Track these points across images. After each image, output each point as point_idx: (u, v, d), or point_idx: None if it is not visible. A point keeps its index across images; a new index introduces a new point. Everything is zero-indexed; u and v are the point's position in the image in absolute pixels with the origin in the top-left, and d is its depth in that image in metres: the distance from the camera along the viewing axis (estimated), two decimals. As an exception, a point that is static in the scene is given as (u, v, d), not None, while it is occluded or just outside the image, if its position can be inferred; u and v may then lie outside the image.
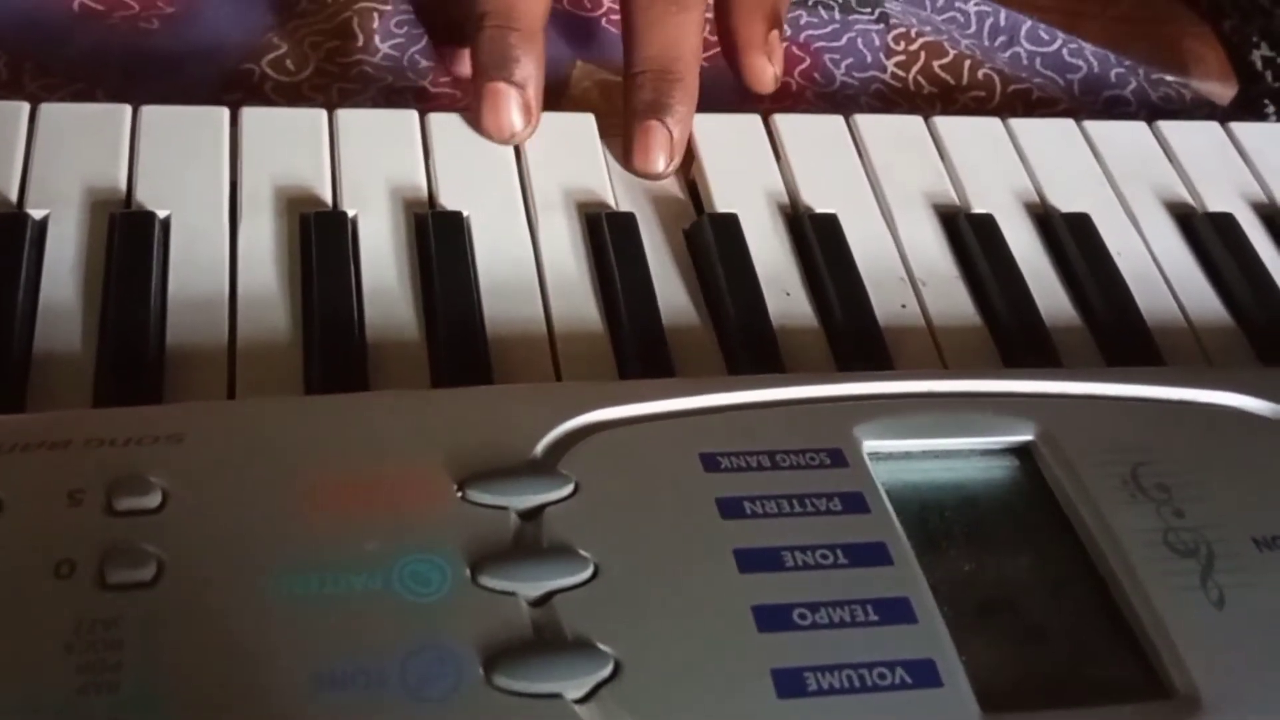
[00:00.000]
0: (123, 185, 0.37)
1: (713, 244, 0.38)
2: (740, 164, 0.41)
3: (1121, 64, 0.53)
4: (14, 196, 0.36)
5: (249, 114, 0.39)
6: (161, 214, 0.36)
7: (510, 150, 0.40)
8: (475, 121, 0.40)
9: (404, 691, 0.25)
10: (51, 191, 0.36)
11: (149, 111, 0.38)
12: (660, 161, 0.40)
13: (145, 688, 0.24)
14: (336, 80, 0.47)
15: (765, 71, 0.44)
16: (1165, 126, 0.45)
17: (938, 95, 0.51)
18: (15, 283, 0.33)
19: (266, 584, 0.26)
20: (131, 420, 0.29)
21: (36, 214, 0.35)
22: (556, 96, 0.48)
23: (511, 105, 0.39)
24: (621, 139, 0.41)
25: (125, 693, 0.24)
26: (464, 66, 0.44)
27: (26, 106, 0.38)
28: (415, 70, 0.48)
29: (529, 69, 0.39)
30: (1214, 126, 0.46)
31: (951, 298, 0.38)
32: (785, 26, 0.45)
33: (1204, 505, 0.31)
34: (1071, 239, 0.40)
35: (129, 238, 0.35)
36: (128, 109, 0.38)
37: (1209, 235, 0.41)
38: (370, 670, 0.25)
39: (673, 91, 0.40)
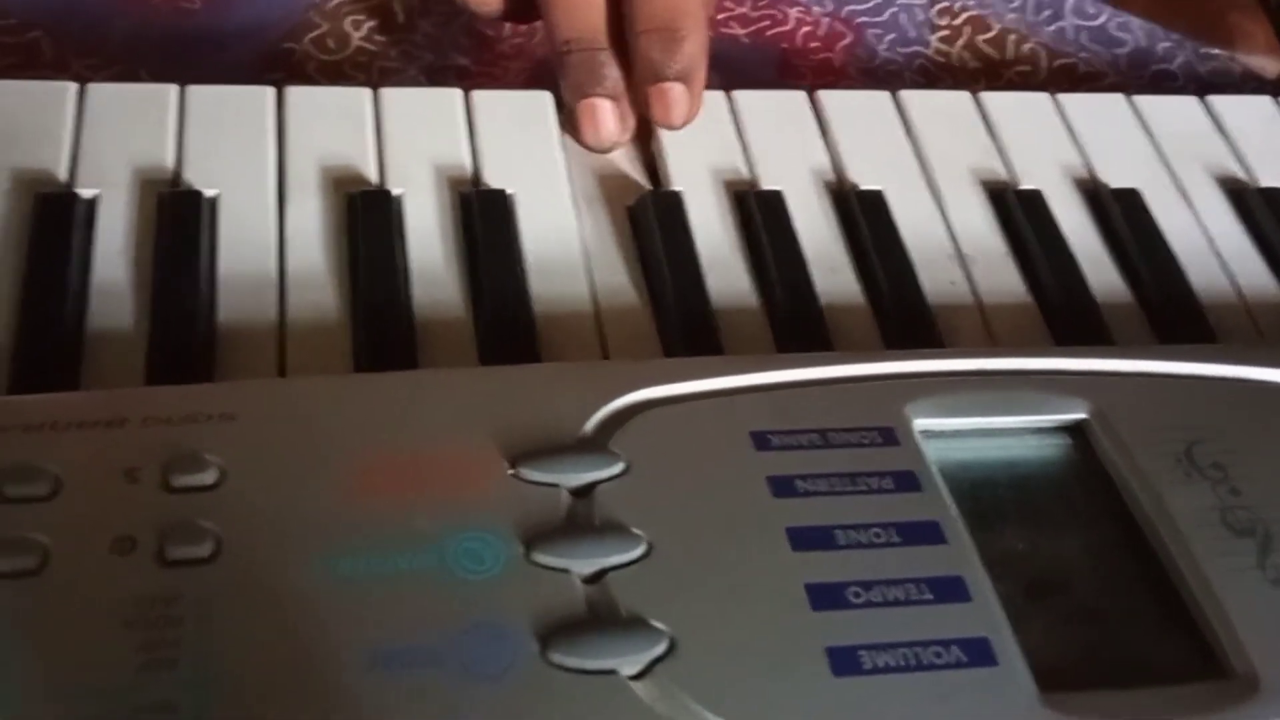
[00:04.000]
0: (170, 165, 0.37)
1: (759, 220, 0.38)
2: (786, 141, 0.41)
3: (1169, 38, 0.53)
4: (64, 176, 0.36)
5: (294, 93, 0.39)
6: (209, 194, 0.36)
7: (554, 129, 0.40)
8: (575, 136, 0.40)
9: (459, 669, 0.25)
10: (101, 171, 0.36)
11: (195, 91, 0.38)
12: (679, 116, 0.40)
13: (204, 664, 0.24)
14: (378, 59, 0.47)
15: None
16: (1216, 101, 0.45)
17: (982, 70, 0.51)
18: (67, 262, 0.33)
19: (322, 561, 0.26)
20: (186, 398, 0.29)
21: (86, 194, 0.35)
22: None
23: (609, 116, 0.40)
24: (637, 96, 0.40)
25: (184, 668, 0.24)
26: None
27: (74, 87, 0.38)
28: (456, 48, 0.48)
29: (617, 81, 0.40)
30: (1265, 101, 0.46)
31: (1001, 275, 0.38)
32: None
33: (1260, 484, 0.31)
34: (1121, 215, 0.40)
35: (178, 218, 0.35)
36: (174, 89, 0.38)
37: (1261, 211, 0.41)
38: (426, 648, 0.25)
39: (681, 48, 0.40)
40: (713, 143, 0.41)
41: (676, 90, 0.40)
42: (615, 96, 0.40)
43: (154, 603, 0.25)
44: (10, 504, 0.26)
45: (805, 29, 0.51)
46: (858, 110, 0.42)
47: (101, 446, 0.27)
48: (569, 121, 0.41)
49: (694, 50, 0.40)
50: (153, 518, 0.26)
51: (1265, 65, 0.56)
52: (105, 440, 0.27)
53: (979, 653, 0.26)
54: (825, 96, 0.42)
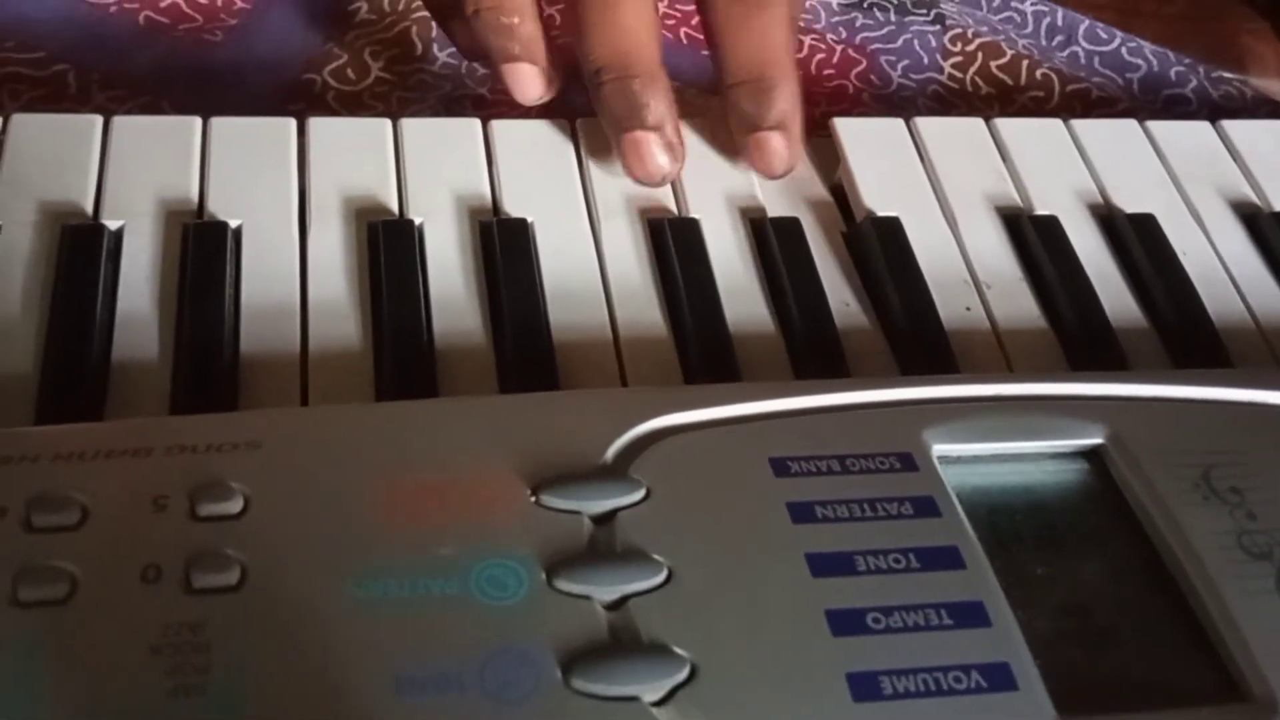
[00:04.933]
0: (195, 196, 0.37)
1: (776, 248, 0.38)
2: (800, 167, 0.41)
3: (1181, 62, 0.53)
4: (90, 208, 0.36)
5: (315, 124, 0.40)
6: (233, 224, 0.36)
7: (573, 157, 0.41)
8: (626, 172, 0.39)
9: (484, 694, 0.25)
10: (126, 203, 0.37)
11: (219, 123, 0.39)
12: (779, 165, 0.40)
13: (232, 690, 0.25)
14: (396, 89, 0.48)
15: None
16: (1229, 126, 0.45)
17: (995, 96, 0.51)
18: (94, 293, 0.34)
19: (347, 588, 0.26)
20: (211, 427, 0.29)
21: (112, 225, 0.36)
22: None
23: (655, 149, 0.39)
24: (738, 149, 0.40)
25: (212, 695, 0.24)
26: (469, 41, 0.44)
27: (100, 120, 0.38)
28: (474, 78, 0.48)
29: (660, 109, 0.39)
30: (1278, 125, 0.46)
31: (1016, 300, 0.38)
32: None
33: (1277, 508, 0.31)
34: (1137, 240, 0.40)
35: (203, 248, 0.35)
36: (198, 121, 0.39)
37: (1275, 235, 0.41)
38: (450, 674, 0.25)
39: (773, 99, 0.39)
40: (729, 169, 0.41)
41: (775, 140, 0.39)
42: (659, 126, 0.39)
43: (182, 629, 0.25)
44: (39, 533, 0.26)
45: (819, 56, 0.51)
46: (872, 136, 0.42)
47: (128, 476, 0.28)
48: (618, 156, 0.40)
49: (786, 98, 0.39)
50: (179, 546, 0.26)
51: (1277, 88, 0.56)
52: (132, 470, 0.28)
53: (999, 678, 0.27)
54: (840, 123, 0.42)
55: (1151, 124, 0.45)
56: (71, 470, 0.28)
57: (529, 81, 0.40)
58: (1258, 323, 0.39)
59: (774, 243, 0.38)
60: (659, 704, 0.25)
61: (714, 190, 0.40)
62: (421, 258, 0.36)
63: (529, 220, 0.38)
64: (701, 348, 0.35)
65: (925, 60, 0.52)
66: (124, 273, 0.35)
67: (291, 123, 0.40)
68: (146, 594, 0.26)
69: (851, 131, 0.42)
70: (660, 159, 0.39)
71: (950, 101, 0.51)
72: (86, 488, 0.27)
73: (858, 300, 0.38)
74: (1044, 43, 0.53)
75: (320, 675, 0.25)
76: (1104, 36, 0.53)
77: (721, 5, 0.41)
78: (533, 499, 0.28)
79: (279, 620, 0.26)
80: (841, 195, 0.41)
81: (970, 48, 0.52)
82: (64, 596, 0.25)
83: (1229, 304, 0.39)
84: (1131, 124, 0.45)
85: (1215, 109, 0.52)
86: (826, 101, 0.50)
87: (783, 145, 0.39)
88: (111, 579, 0.26)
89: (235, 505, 0.27)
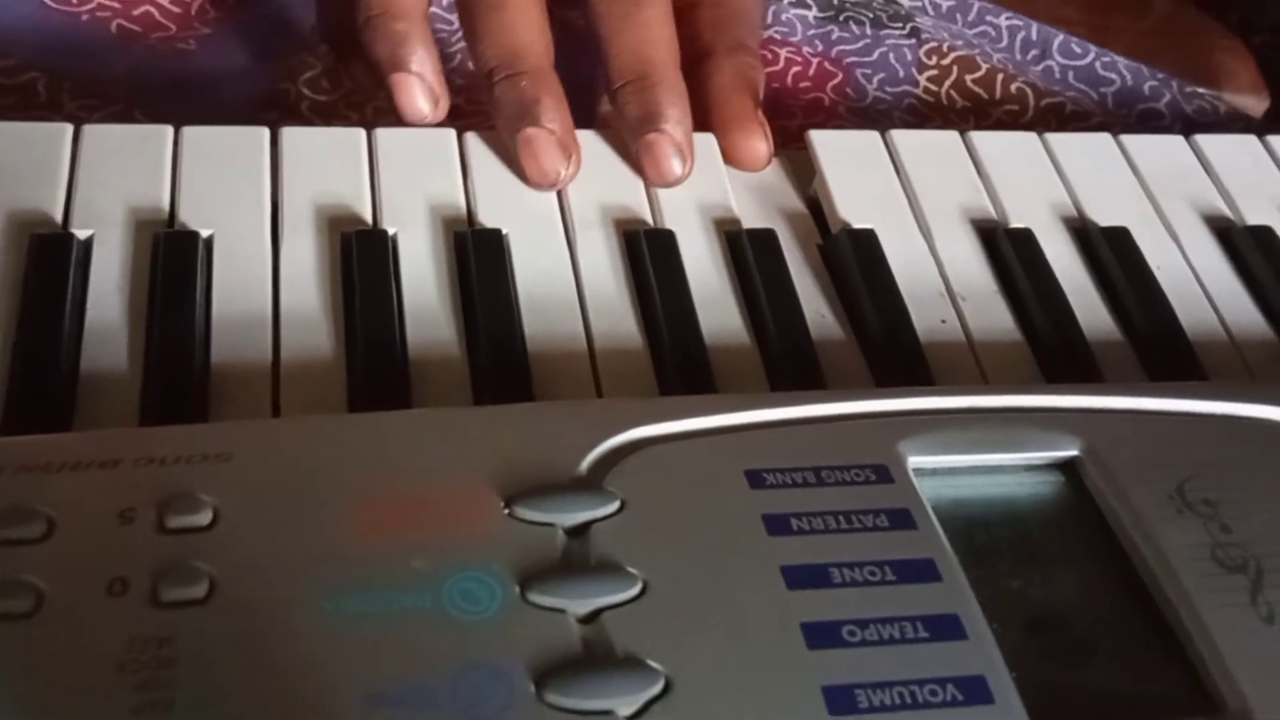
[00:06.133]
0: (166, 205, 0.37)
1: (753, 260, 0.38)
2: (776, 179, 0.41)
3: (1155, 77, 0.53)
4: (59, 217, 0.36)
5: (288, 133, 0.39)
6: (204, 234, 0.36)
7: (548, 168, 0.40)
8: (521, 174, 0.39)
9: (456, 709, 0.25)
10: (96, 212, 0.36)
11: (190, 132, 0.39)
12: (674, 168, 0.39)
13: (199, 706, 0.24)
14: (371, 99, 0.48)
15: (760, 149, 0.42)
16: (1202, 140, 0.45)
17: (971, 110, 0.51)
18: (62, 303, 0.33)
19: (317, 602, 0.26)
20: (180, 439, 0.29)
21: (81, 234, 0.35)
22: (591, 116, 0.48)
23: (548, 147, 0.38)
24: (632, 154, 0.40)
25: (179, 711, 0.24)
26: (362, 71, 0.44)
27: (70, 128, 0.38)
28: (449, 88, 0.48)
29: (551, 107, 0.39)
30: (1251, 140, 0.46)
31: (991, 313, 0.38)
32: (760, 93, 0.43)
33: (1251, 520, 0.31)
34: (1111, 253, 0.40)
35: (173, 257, 0.35)
36: (169, 130, 0.39)
37: (1248, 249, 0.41)
38: (422, 689, 0.25)
39: (657, 97, 0.39)
40: (705, 182, 0.41)
41: (662, 144, 0.39)
42: (551, 125, 0.38)
43: (148, 644, 0.25)
44: (3, 546, 0.26)
45: (795, 69, 0.51)
46: (848, 149, 0.42)
47: (95, 488, 0.27)
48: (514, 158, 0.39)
49: (670, 97, 0.39)
50: (147, 559, 0.26)
51: (1250, 104, 0.56)
52: (99, 481, 0.27)
53: (975, 690, 0.26)
54: (815, 136, 0.42)
55: (1125, 138, 0.45)
56: (38, 482, 0.27)
57: (415, 95, 0.39)
58: (1231, 336, 0.39)
59: (750, 255, 0.38)
60: (633, 718, 0.25)
61: (689, 202, 0.40)
62: (395, 268, 0.36)
63: (504, 231, 0.38)
64: (677, 359, 0.35)
65: (901, 73, 0.52)
66: (93, 282, 0.35)
67: (265, 132, 0.39)
68: (112, 608, 0.25)
69: (827, 144, 0.42)
70: (553, 157, 0.38)
71: (925, 114, 0.51)
72: (53, 499, 0.27)
73: (833, 312, 0.38)
74: (1019, 57, 0.54)
75: (290, 691, 0.25)
76: (1078, 51, 0.54)
77: (601, 5, 0.40)
78: (506, 511, 0.28)
79: (248, 634, 0.25)
80: (817, 208, 0.41)
81: (946, 61, 0.52)
82: (29, 610, 0.25)
83: (1202, 317, 0.39)
84: (1106, 138, 0.45)
85: (1189, 123, 0.52)
86: (802, 114, 0.50)
87: (670, 147, 0.39)
88: (77, 592, 0.25)
89: (204, 517, 0.27)
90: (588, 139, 0.41)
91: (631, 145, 0.40)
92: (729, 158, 0.42)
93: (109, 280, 0.35)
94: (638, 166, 0.40)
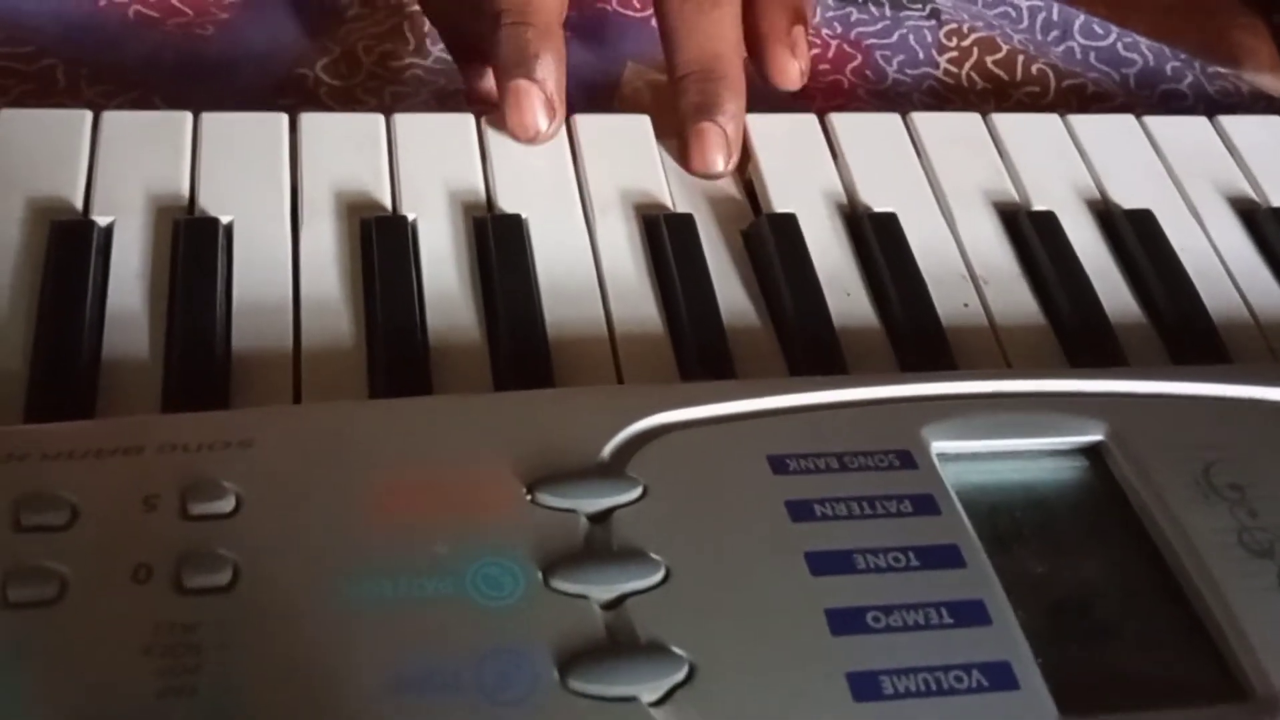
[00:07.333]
0: (185, 191, 0.37)
1: (772, 244, 0.38)
2: (797, 164, 0.41)
3: (1178, 57, 0.53)
4: (79, 204, 0.36)
5: (307, 119, 0.39)
6: (225, 220, 0.36)
7: (567, 153, 0.40)
8: (500, 122, 0.39)
9: (480, 695, 0.25)
10: (116, 198, 0.36)
11: (210, 118, 0.39)
12: (719, 161, 0.40)
13: (223, 691, 0.24)
14: (389, 84, 0.48)
15: (790, 66, 0.42)
16: (1226, 121, 0.45)
17: (991, 91, 0.51)
18: (83, 290, 0.33)
19: (341, 588, 0.26)
20: (202, 425, 0.29)
21: (102, 221, 0.35)
22: (609, 98, 0.48)
23: (534, 103, 0.38)
24: (677, 142, 0.41)
25: (203, 696, 0.24)
26: (488, 83, 0.44)
27: (89, 115, 0.38)
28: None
29: (549, 65, 0.38)
30: (1275, 120, 0.46)
31: (1014, 296, 0.38)
32: (810, 23, 0.44)
33: (1277, 504, 0.30)
34: (1135, 236, 0.40)
35: (193, 244, 0.35)
36: (189, 116, 0.39)
37: (1273, 230, 0.41)
38: (446, 674, 0.25)
39: (719, 90, 0.40)
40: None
41: (713, 133, 0.39)
42: (543, 80, 0.38)
43: (173, 630, 0.25)
44: (28, 533, 0.26)
45: (814, 51, 0.51)
46: (869, 132, 0.42)
47: (118, 475, 0.27)
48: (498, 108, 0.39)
49: (731, 92, 0.40)
50: (170, 546, 0.26)
51: (1269, 82, 0.56)
52: (122, 468, 0.27)
53: (1000, 676, 0.26)
54: (836, 119, 0.42)
55: (1148, 119, 0.44)
56: (61, 469, 0.27)
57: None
58: (1256, 318, 0.39)
59: (770, 239, 0.38)
60: (657, 704, 0.25)
61: (708, 185, 0.40)
62: (415, 254, 0.36)
63: (523, 216, 0.38)
64: (697, 344, 0.35)
65: (921, 55, 0.51)
66: (114, 269, 0.35)
67: (283, 118, 0.39)
68: (137, 594, 0.25)
69: (847, 127, 0.42)
70: (537, 113, 0.38)
71: (946, 97, 0.50)
72: (76, 487, 0.27)
73: (855, 296, 0.37)
74: (1040, 38, 0.53)
75: (313, 676, 0.25)
76: (1099, 31, 0.53)
77: (675, 3, 0.41)
78: (528, 497, 0.28)
79: (271, 620, 0.25)
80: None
81: (966, 43, 0.52)
82: (54, 597, 0.25)
83: (1227, 300, 0.39)
84: (1128, 119, 0.44)
85: (1211, 104, 0.52)
86: (821, 97, 0.49)
87: (719, 139, 0.39)
88: (102, 579, 0.25)
89: (227, 504, 0.27)
90: (607, 123, 0.41)
91: (683, 131, 0.40)
92: (761, 74, 0.42)
93: (129, 267, 0.35)
94: (682, 155, 0.40)
